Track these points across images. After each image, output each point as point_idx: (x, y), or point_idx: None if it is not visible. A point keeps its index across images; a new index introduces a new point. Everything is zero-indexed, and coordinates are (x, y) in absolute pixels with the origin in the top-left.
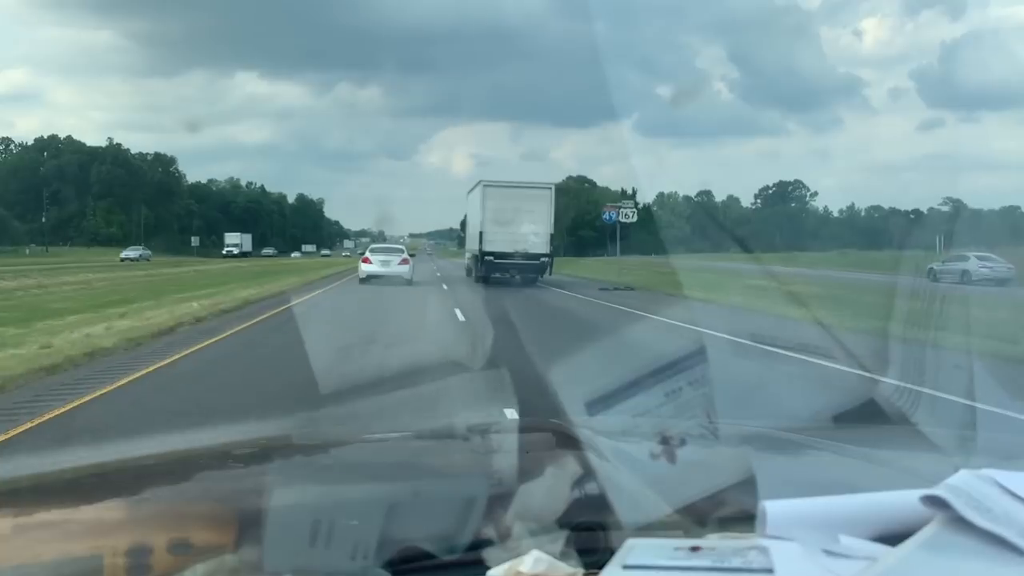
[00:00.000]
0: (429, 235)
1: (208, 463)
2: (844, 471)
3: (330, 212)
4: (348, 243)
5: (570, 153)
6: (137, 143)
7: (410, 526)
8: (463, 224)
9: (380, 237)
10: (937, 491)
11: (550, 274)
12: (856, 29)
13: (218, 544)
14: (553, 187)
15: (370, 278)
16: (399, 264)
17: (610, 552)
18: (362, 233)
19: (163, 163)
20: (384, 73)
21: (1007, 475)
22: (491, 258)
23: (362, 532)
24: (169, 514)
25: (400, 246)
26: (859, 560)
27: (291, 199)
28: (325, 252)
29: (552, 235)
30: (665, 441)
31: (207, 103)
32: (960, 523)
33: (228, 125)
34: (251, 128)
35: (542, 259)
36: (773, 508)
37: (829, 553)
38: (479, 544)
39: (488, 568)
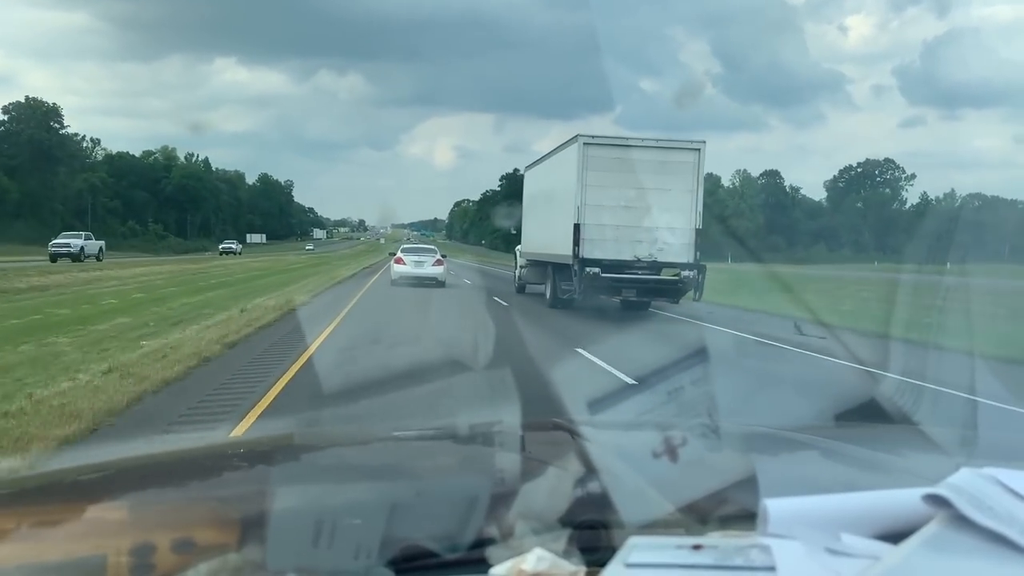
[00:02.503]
0: (412, 225)
1: (211, 462)
2: (846, 470)
3: (310, 201)
4: (319, 232)
5: (554, 146)
6: (112, 129)
7: (413, 525)
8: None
9: (360, 227)
10: (939, 490)
11: (698, 298)
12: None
13: (221, 543)
14: (703, 147)
15: (402, 279)
16: (433, 265)
17: (612, 550)
18: (342, 223)
19: (39, 114)
20: (365, 61)
21: (1009, 474)
22: (595, 270)
23: (365, 531)
24: (172, 513)
25: (432, 247)
26: (861, 558)
27: (257, 181)
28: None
29: (699, 232)
30: (667, 440)
31: (185, 89)
32: (962, 522)
33: (206, 112)
34: (229, 115)
35: (684, 274)
36: (775, 507)
37: (831, 551)
38: (482, 543)
39: (491, 566)
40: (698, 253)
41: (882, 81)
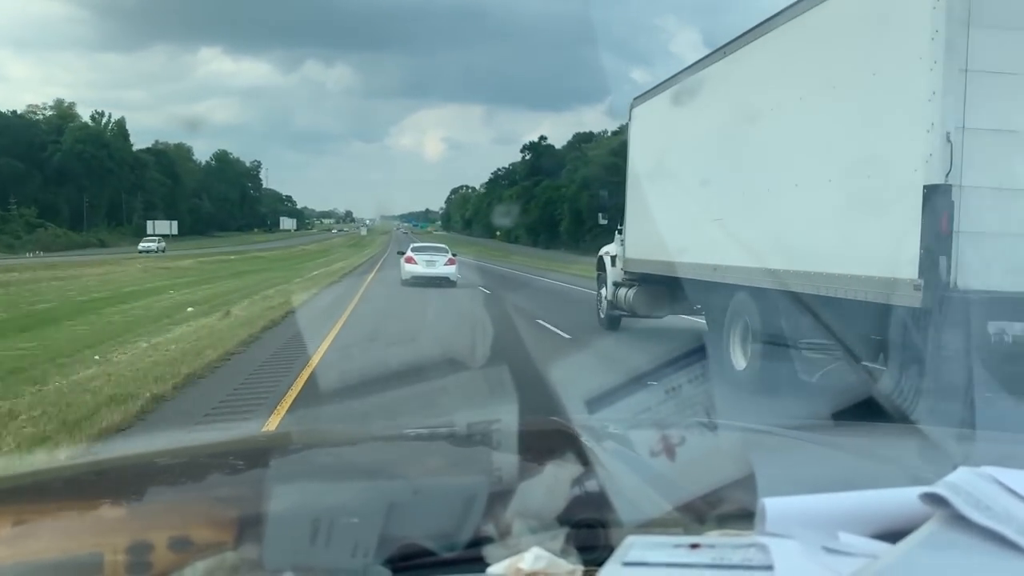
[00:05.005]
0: (402, 217)
1: (208, 460)
2: (844, 469)
3: (298, 194)
4: (287, 223)
5: (547, 134)
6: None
7: (410, 523)
8: (635, 186)
9: (347, 218)
10: (936, 488)
11: None
12: None
13: (218, 541)
14: None
15: (413, 279)
16: (445, 265)
17: (610, 549)
18: (327, 214)
19: None
20: (353, 52)
21: (1007, 473)
22: (998, 327)
23: (362, 529)
24: (169, 511)
25: (443, 246)
26: (859, 557)
27: (212, 159)
28: None
29: None
30: (665, 439)
31: (170, 80)
32: (959, 520)
33: (192, 104)
34: (215, 107)
35: None
36: (773, 505)
37: (829, 550)
38: (479, 541)
39: (488, 565)
40: None
41: None
